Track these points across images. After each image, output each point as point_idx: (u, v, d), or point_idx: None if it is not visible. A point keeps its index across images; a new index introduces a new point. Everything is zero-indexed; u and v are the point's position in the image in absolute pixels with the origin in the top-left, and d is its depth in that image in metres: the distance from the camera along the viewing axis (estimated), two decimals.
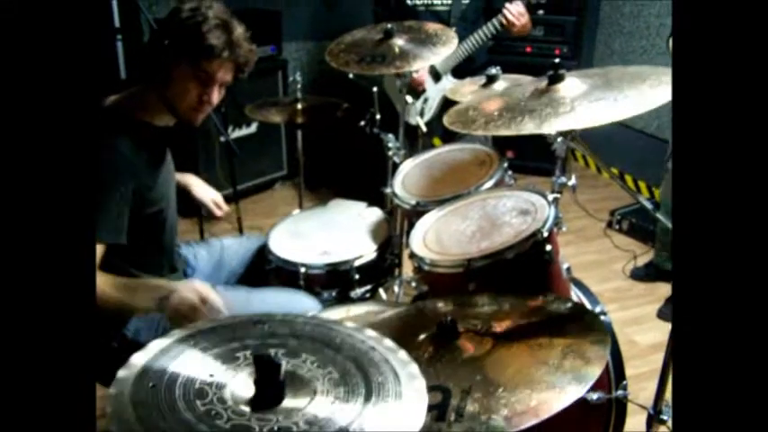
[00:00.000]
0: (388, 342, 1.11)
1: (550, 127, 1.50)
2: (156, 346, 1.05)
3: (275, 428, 0.90)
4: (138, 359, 1.01)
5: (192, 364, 1.01)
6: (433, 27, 2.40)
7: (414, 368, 1.06)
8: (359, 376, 1.03)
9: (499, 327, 1.39)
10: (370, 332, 1.16)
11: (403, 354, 1.09)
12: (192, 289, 1.58)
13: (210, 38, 1.64)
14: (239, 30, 1.71)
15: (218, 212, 2.19)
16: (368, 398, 0.98)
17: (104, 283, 1.59)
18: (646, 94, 1.47)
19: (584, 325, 1.38)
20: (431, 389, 1.01)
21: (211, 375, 0.99)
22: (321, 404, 0.96)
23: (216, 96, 1.73)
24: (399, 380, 1.03)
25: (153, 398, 0.93)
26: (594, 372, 1.20)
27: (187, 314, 1.55)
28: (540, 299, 1.51)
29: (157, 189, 1.78)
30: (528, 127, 1.49)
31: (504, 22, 3.08)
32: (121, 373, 0.98)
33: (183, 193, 2.09)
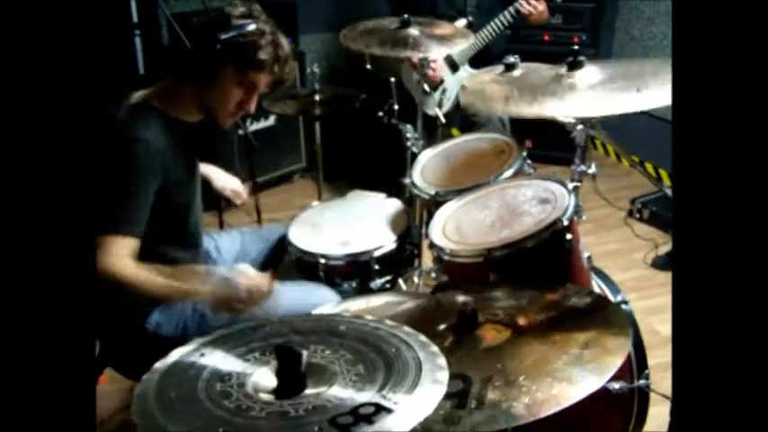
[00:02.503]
0: (390, 321, 1.13)
1: (570, 109, 1.49)
2: (173, 355, 1.08)
3: (310, 408, 0.92)
4: (158, 367, 1.05)
5: (208, 370, 1.03)
6: (445, 28, 2.40)
7: (422, 336, 1.07)
8: (373, 352, 1.04)
9: (519, 317, 1.39)
10: (369, 316, 1.18)
11: (407, 328, 1.10)
12: (243, 279, 1.65)
13: (263, 52, 1.69)
14: (286, 48, 1.76)
15: (237, 201, 2.25)
16: (388, 367, 0.99)
17: (150, 271, 1.65)
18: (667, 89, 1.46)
19: (604, 316, 1.37)
20: (451, 377, 1.02)
21: (228, 377, 1.01)
22: (345, 382, 0.98)
23: (254, 105, 1.78)
24: (412, 347, 1.04)
25: (179, 404, 0.95)
26: (616, 362, 1.20)
27: (235, 305, 1.64)
28: (559, 290, 1.50)
29: (185, 182, 1.81)
30: (548, 108, 1.48)
31: (520, 10, 3.06)
32: (141, 388, 1.00)
33: (204, 184, 2.12)
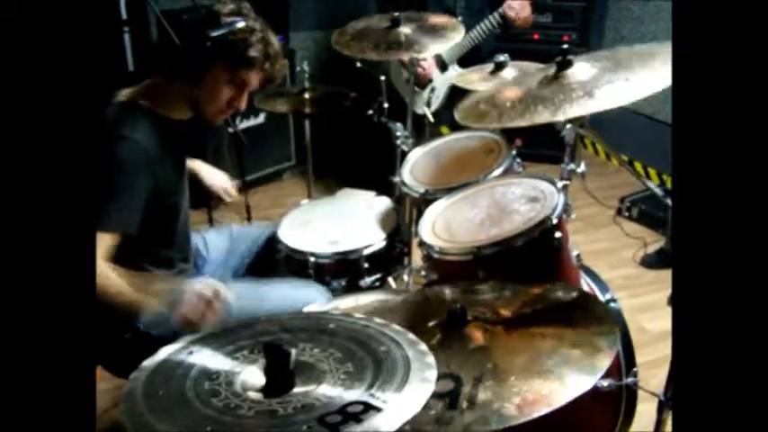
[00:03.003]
0: (379, 320, 1.13)
1: (565, 114, 1.48)
2: (162, 353, 1.08)
3: (299, 406, 0.92)
4: (146, 365, 1.04)
5: (196, 369, 1.03)
6: (436, 19, 2.40)
7: (411, 335, 1.07)
8: (362, 350, 1.04)
9: (508, 315, 1.39)
10: (358, 314, 1.18)
11: (395, 326, 1.10)
12: (199, 292, 1.59)
13: (254, 50, 1.69)
14: (276, 45, 1.76)
15: (227, 199, 2.23)
16: (377, 366, 0.99)
17: (117, 279, 1.60)
18: (658, 71, 1.45)
19: (593, 314, 1.38)
20: (441, 376, 1.02)
21: (216, 376, 1.00)
22: (334, 381, 0.98)
23: (244, 103, 1.78)
24: (401, 345, 1.04)
25: (167, 402, 0.95)
26: (605, 362, 1.20)
27: (196, 319, 1.57)
28: (548, 287, 1.50)
29: (173, 181, 1.80)
30: (543, 116, 1.48)
31: (504, 15, 3.09)
32: (129, 386, 0.99)
33: (193, 181, 2.10)
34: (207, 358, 1.06)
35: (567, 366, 1.20)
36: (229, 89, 1.73)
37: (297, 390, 0.97)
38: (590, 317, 1.35)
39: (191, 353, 1.07)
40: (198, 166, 2.17)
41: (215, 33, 1.65)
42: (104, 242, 1.61)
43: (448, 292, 1.55)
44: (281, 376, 0.98)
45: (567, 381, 1.17)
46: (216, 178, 2.22)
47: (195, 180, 2.13)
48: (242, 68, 1.71)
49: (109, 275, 1.60)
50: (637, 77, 1.46)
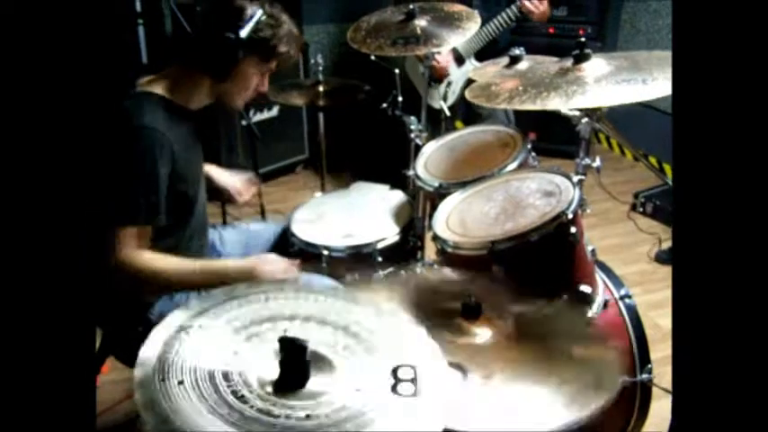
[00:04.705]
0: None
1: (576, 103, 1.48)
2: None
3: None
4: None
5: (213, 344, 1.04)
6: (454, 7, 2.38)
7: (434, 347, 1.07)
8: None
9: (521, 318, 1.38)
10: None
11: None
12: (277, 269, 1.75)
13: (282, 44, 1.75)
14: (293, 27, 1.81)
15: (239, 199, 2.24)
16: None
17: (170, 259, 1.68)
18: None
19: (601, 340, 1.37)
20: (450, 366, 1.01)
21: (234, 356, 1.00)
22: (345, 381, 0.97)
23: (267, 85, 1.85)
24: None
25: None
26: (603, 397, 1.20)
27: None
28: (564, 299, 1.49)
29: (191, 171, 1.80)
30: (553, 103, 1.47)
31: (522, 8, 3.07)
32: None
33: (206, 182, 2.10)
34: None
35: (575, 385, 1.19)
36: (257, 77, 1.80)
37: (313, 380, 0.96)
38: (599, 343, 1.34)
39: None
40: (208, 167, 2.18)
41: (243, 34, 1.67)
42: (139, 234, 1.65)
43: (461, 283, 1.54)
44: (295, 370, 0.97)
45: (575, 398, 1.16)
46: (227, 178, 2.22)
47: (207, 181, 2.14)
48: (272, 59, 1.77)
49: (160, 263, 1.67)
50: (655, 81, 1.45)
